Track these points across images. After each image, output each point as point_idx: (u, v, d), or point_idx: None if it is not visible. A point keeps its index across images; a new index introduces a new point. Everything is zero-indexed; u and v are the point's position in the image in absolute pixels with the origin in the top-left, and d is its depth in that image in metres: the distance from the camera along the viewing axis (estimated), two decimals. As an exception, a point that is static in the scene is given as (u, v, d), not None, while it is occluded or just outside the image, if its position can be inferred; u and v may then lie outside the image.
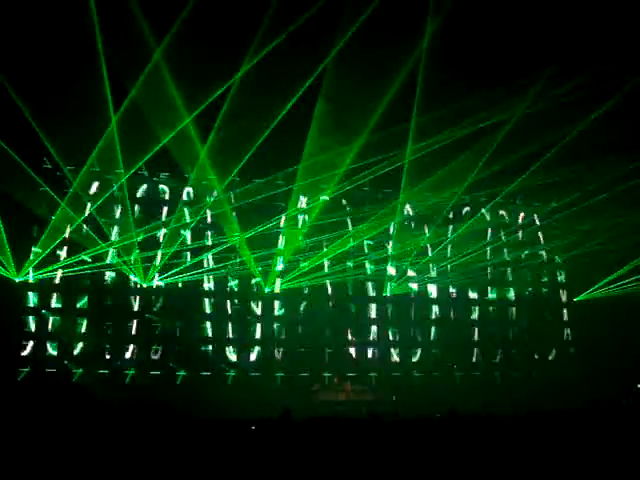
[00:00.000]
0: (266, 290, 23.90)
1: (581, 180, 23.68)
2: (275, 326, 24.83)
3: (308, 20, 17.51)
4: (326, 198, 22.29)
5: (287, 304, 24.64)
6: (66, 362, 22.37)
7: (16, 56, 17.16)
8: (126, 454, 8.94)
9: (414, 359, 25.59)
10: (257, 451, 9.42)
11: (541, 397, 20.77)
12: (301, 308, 24.84)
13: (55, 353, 22.15)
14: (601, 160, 22.68)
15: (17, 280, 20.80)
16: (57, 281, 22.04)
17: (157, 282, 22.63)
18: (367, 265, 24.95)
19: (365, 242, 24.22)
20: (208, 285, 24.07)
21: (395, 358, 25.56)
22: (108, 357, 23.12)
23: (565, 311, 27.93)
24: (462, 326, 26.19)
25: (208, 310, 24.21)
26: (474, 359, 26.03)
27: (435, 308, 26.11)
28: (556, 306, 27.67)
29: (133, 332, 23.46)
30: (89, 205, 20.82)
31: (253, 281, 24.13)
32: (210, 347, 24.27)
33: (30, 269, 20.93)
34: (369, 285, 25.49)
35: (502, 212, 26.34)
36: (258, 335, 24.64)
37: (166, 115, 20.27)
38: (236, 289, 24.42)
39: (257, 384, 23.93)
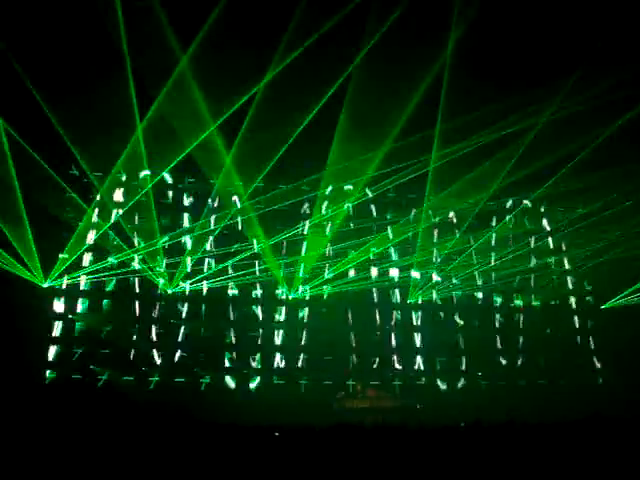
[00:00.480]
0: (290, 297, 23.94)
1: (607, 187, 23.48)
2: (300, 333, 24.87)
3: (333, 27, 17.59)
4: (350, 187, 22.23)
5: (311, 311, 24.61)
6: (92, 366, 22.61)
7: (42, 64, 17.44)
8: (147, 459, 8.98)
9: (438, 367, 25.46)
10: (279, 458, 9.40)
11: (568, 405, 20.54)
12: (324, 315, 24.81)
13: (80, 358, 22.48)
14: (626, 167, 22.49)
15: (44, 286, 21.04)
16: (82, 287, 22.25)
17: (181, 288, 22.74)
18: (391, 271, 24.84)
19: (389, 249, 24.09)
20: (232, 292, 24.13)
21: (420, 366, 25.45)
22: (133, 362, 23.41)
23: (589, 319, 27.60)
24: (486, 333, 26.01)
25: (232, 317, 24.33)
26: (498, 366, 25.83)
27: (458, 315, 25.93)
28: (581, 314, 27.33)
29: (156, 337, 23.78)
30: (115, 211, 20.98)
31: (278, 290, 24.15)
32: (234, 354, 24.42)
33: (57, 275, 21.13)
34: (395, 292, 25.40)
35: (527, 219, 26.08)
36: (280, 342, 24.75)
37: (191, 122, 20.47)
38: (259, 296, 24.48)
39: (281, 391, 24.02)
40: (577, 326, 27.20)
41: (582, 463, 8.23)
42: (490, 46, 18.99)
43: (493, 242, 24.96)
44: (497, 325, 26.39)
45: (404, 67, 19.39)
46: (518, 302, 26.44)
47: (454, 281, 25.09)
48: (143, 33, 17.66)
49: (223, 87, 19.69)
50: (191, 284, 22.81)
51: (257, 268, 23.52)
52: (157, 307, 23.40)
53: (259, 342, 24.57)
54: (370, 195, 22.92)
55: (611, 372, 25.59)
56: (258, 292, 24.31)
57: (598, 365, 26.59)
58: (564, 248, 26.54)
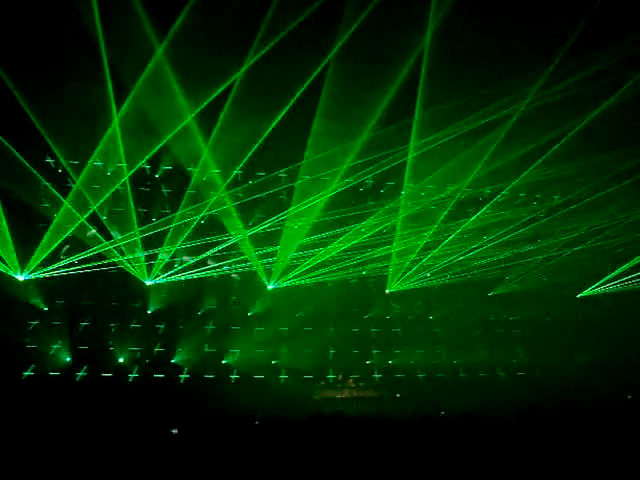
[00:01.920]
0: (269, 287, 23.84)
1: (585, 175, 23.67)
2: (280, 324, 24.84)
3: (311, 14, 17.49)
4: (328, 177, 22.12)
5: (290, 302, 24.53)
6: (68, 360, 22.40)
7: (16, 51, 17.14)
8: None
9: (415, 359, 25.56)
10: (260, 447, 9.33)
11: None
12: (303, 306, 24.79)
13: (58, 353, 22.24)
14: (606, 155, 22.68)
15: (21, 279, 20.74)
16: (59, 279, 21.95)
17: (160, 280, 22.53)
18: (369, 262, 24.85)
19: (368, 238, 24.04)
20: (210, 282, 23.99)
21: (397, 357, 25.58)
22: (111, 357, 23.22)
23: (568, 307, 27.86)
24: (466, 324, 26.17)
25: (211, 307, 24.24)
26: (478, 358, 25.98)
27: (437, 304, 26.04)
28: (560, 302, 27.59)
29: (135, 331, 23.61)
30: (91, 202, 20.69)
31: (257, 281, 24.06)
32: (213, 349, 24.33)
33: (34, 267, 20.84)
34: (372, 282, 25.43)
35: (505, 208, 26.21)
36: (261, 333, 24.69)
37: (168, 111, 20.26)
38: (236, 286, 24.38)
39: (261, 384, 23.97)
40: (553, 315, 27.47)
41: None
42: (469, 33, 18.98)
43: (472, 231, 24.98)
44: (476, 315, 26.55)
45: (382, 55, 19.35)
46: (497, 291, 26.63)
47: (432, 270, 25.19)
48: (118, 20, 17.42)
49: (201, 76, 19.53)
50: (169, 275, 22.58)
51: (235, 259, 23.42)
52: (135, 299, 23.24)
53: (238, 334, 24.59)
54: (350, 183, 22.82)
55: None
56: (237, 283, 24.23)
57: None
58: (541, 237, 26.69)
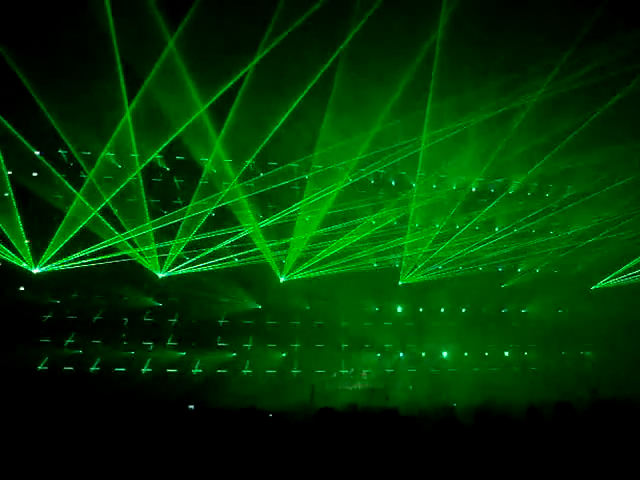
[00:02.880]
0: (281, 279, 23.83)
1: (598, 167, 23.54)
2: (292, 317, 24.91)
3: (322, 7, 17.47)
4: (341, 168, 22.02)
5: (303, 294, 24.54)
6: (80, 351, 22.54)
7: (27, 45, 17.21)
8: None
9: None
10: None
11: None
12: (316, 299, 24.80)
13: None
14: (618, 147, 22.54)
15: (35, 271, 20.84)
16: (73, 272, 22.04)
17: (172, 272, 22.56)
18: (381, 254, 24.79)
19: (380, 230, 23.96)
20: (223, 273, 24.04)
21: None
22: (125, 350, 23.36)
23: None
24: (476, 317, 26.07)
25: (223, 301, 24.28)
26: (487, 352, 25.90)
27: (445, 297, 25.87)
28: (574, 294, 27.42)
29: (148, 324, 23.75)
30: (104, 195, 20.74)
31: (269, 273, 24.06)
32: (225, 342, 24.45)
33: (47, 260, 20.92)
34: (384, 274, 25.32)
35: (518, 199, 26.07)
36: (273, 326, 24.77)
37: (180, 103, 20.30)
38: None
39: (273, 378, 24.05)
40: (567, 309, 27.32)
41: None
42: (481, 25, 18.90)
43: (484, 223, 24.84)
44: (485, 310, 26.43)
45: (394, 46, 19.29)
46: (509, 283, 26.49)
47: (444, 263, 25.12)
48: (131, 13, 17.46)
49: (213, 68, 19.55)
50: (182, 268, 22.60)
51: (248, 251, 23.45)
52: (148, 292, 23.31)
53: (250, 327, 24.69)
54: (364, 173, 22.78)
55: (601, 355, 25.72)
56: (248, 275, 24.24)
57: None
58: (553, 229, 26.54)
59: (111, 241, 21.20)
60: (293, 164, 22.54)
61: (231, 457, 8.15)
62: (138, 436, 9.69)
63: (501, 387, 23.06)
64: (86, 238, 21.20)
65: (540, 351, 26.31)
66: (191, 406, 9.86)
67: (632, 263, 25.67)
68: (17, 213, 19.91)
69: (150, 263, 22.14)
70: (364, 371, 24.74)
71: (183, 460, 8.38)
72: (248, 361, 24.31)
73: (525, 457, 7.50)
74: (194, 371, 24.06)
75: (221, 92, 19.25)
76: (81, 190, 20.37)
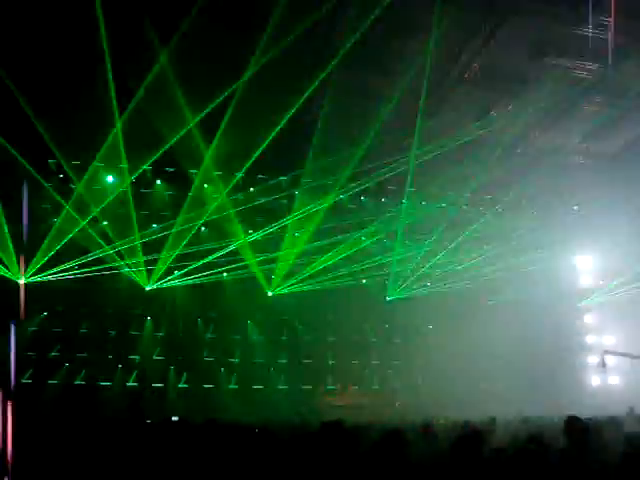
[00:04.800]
0: (269, 294, 23.80)
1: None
2: (279, 332, 24.87)
3: (313, 23, 17.57)
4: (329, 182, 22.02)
5: (290, 309, 24.46)
6: (66, 365, 22.34)
7: (19, 54, 17.19)
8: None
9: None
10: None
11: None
12: (302, 314, 24.74)
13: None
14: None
15: (21, 282, 20.68)
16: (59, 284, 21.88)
17: (159, 285, 22.47)
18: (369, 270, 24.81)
19: (367, 246, 23.98)
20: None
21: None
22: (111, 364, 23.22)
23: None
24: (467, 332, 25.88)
25: (211, 315, 24.24)
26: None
27: (435, 314, 25.71)
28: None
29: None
30: (92, 206, 20.68)
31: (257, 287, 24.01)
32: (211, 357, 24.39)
33: (34, 271, 20.79)
34: (370, 290, 25.28)
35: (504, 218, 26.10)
36: (260, 341, 24.74)
37: (171, 116, 20.34)
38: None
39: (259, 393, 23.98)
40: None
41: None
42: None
43: (471, 240, 24.85)
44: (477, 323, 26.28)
45: (384, 63, 19.47)
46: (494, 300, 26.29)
47: (431, 279, 25.13)
48: (122, 24, 17.50)
49: (203, 81, 19.61)
50: (169, 281, 22.51)
51: (235, 265, 23.42)
52: (135, 305, 23.19)
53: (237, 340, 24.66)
54: (353, 188, 22.82)
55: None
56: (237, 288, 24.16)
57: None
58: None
59: (100, 253, 21.11)
60: (282, 178, 22.59)
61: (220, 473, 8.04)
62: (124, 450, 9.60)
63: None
64: (73, 250, 21.10)
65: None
66: (175, 417, 9.80)
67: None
68: (4, 223, 19.77)
69: (138, 276, 22.06)
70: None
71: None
72: (235, 375, 24.23)
73: None
74: (180, 385, 23.93)
75: (213, 105, 19.30)
76: (69, 202, 20.30)
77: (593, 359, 25.96)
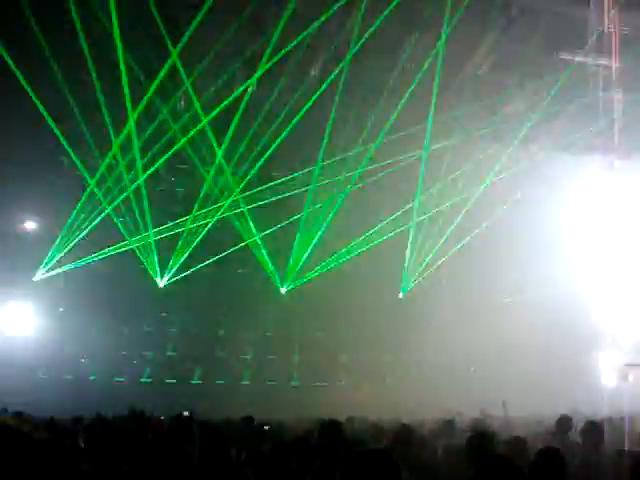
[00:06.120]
0: (282, 290, 23.77)
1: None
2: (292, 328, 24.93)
3: (324, 21, 17.54)
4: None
5: (303, 304, 24.41)
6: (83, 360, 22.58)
7: (30, 53, 17.30)
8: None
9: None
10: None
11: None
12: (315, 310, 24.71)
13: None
14: None
15: (35, 279, 20.89)
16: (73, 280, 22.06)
17: (173, 282, 22.53)
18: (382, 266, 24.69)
19: (380, 241, 23.80)
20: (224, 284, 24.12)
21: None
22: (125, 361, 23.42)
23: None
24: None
25: (224, 310, 24.35)
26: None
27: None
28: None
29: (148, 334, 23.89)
30: (106, 204, 20.77)
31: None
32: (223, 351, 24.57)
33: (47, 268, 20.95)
34: (384, 288, 25.16)
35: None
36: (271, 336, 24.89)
37: (183, 113, 20.46)
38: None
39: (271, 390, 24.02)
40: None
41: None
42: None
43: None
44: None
45: (397, 59, 19.40)
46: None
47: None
48: (134, 22, 17.58)
49: (215, 78, 19.69)
50: (183, 278, 22.53)
51: (249, 261, 23.50)
52: (149, 302, 23.30)
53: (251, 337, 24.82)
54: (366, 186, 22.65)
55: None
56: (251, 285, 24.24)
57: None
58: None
59: (112, 250, 21.20)
60: (296, 174, 22.52)
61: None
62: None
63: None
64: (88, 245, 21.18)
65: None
66: (186, 413, 9.81)
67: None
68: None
69: (152, 271, 22.15)
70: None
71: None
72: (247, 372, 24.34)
73: None
74: (193, 382, 24.05)
75: (224, 103, 19.35)
76: (82, 199, 20.40)
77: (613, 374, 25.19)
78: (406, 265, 23.91)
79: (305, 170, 21.98)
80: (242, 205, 22.23)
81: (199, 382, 24.26)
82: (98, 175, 20.29)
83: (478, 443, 7.02)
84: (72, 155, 19.96)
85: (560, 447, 6.51)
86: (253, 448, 9.02)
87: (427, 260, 23.71)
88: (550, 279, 24.27)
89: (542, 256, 24.10)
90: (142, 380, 23.69)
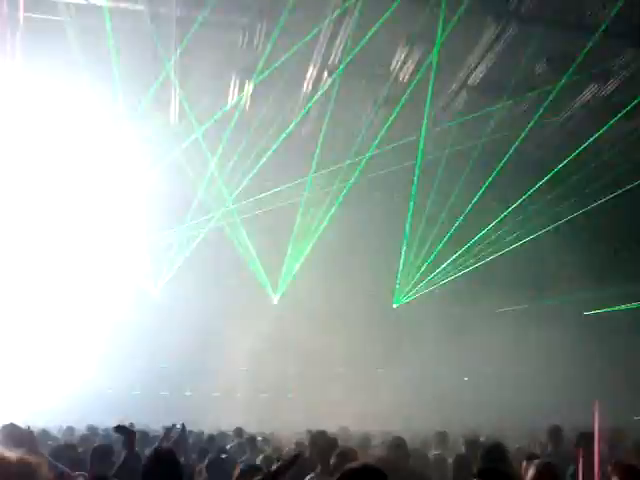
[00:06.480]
0: (274, 301, 23.76)
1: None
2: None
3: (315, 34, 17.61)
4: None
5: (296, 316, 24.33)
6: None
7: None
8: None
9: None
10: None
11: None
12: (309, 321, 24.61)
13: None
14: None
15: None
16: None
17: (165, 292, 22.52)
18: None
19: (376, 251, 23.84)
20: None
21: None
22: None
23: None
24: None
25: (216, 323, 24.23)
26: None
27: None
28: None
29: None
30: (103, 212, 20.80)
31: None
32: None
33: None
34: (377, 296, 25.15)
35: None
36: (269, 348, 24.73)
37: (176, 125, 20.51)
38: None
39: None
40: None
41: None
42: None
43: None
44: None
45: (388, 70, 19.44)
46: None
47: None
48: (128, 35, 17.60)
49: (208, 91, 19.73)
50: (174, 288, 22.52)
51: (242, 272, 23.48)
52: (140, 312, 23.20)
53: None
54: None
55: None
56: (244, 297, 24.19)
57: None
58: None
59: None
60: (288, 185, 22.54)
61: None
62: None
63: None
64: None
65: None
66: (178, 425, 9.83)
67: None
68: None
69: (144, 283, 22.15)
70: None
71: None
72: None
73: None
74: (187, 393, 24.00)
75: (218, 114, 19.41)
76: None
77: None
78: (399, 275, 23.96)
79: (297, 181, 21.99)
80: (235, 216, 22.25)
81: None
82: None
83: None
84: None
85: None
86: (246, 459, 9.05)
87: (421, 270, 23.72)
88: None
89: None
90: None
